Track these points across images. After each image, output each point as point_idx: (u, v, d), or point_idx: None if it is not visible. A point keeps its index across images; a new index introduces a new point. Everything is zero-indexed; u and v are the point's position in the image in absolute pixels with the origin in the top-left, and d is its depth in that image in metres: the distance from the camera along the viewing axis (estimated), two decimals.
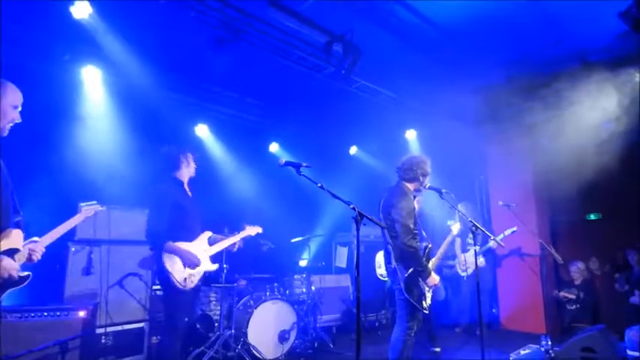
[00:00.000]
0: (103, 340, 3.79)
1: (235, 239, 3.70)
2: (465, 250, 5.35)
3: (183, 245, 3.16)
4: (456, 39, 4.60)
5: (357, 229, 2.62)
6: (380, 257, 5.25)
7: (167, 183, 3.34)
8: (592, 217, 5.98)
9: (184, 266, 3.12)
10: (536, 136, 5.90)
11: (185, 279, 3.11)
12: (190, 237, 3.30)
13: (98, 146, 4.69)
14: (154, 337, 4.30)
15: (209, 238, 3.51)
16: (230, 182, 6.26)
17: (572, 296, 5.53)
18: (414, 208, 3.39)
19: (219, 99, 5.86)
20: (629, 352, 3.94)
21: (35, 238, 2.36)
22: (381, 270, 5.21)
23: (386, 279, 5.12)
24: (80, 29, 3.80)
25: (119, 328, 3.95)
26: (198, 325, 4.43)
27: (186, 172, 3.44)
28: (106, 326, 3.84)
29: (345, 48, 4.71)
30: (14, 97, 2.19)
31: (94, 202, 2.95)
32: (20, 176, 2.49)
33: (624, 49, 4.48)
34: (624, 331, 4.17)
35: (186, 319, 4.61)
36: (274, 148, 7.06)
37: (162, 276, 3.07)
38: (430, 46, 4.74)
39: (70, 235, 3.81)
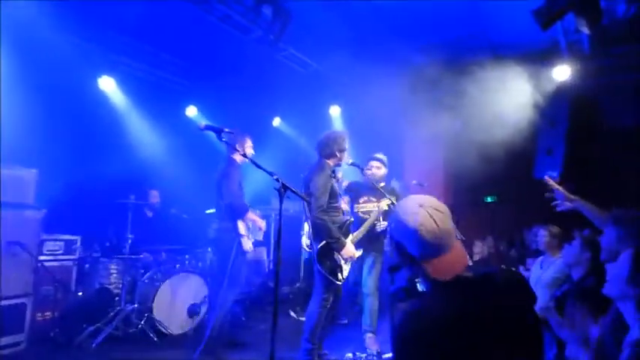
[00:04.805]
0: None
1: None
2: None
3: None
4: (385, 16, 4.61)
5: (281, 201, 2.54)
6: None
7: None
8: (489, 199, 6.61)
9: None
10: (451, 120, 6.25)
11: None
12: None
13: None
14: (39, 314, 3.79)
15: None
16: (139, 145, 5.69)
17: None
18: (331, 184, 3.37)
19: (129, 50, 5.20)
20: None
21: None
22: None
23: (309, 249, 5.12)
24: None
25: None
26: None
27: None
28: None
29: (275, 11, 4.45)
30: None
31: None
32: None
33: (533, 45, 4.90)
34: None
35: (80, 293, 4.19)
36: (192, 112, 6.55)
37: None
38: (360, 21, 4.69)
39: None
